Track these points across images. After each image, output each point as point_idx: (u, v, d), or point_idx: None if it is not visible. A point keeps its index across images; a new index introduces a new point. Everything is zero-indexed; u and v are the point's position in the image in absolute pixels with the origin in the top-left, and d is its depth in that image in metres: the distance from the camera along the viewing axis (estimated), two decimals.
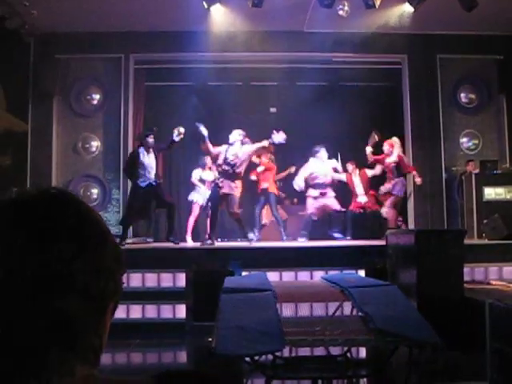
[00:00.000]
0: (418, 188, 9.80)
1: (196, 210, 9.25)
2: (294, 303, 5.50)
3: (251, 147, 8.09)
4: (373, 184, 9.94)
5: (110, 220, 9.86)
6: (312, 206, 9.31)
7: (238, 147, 7.97)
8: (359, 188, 9.85)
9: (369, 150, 9.30)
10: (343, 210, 9.52)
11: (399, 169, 9.22)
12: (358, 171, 9.91)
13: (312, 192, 9.32)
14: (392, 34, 9.81)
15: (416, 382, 4.39)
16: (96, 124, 10.36)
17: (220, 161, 8.05)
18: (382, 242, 6.96)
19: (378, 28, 9.60)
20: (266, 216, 10.13)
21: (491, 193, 9.11)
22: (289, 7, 8.92)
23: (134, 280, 6.73)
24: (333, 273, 6.50)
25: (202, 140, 8.29)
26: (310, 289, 5.43)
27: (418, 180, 9.20)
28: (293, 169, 10.15)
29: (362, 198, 9.76)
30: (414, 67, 10.55)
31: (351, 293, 4.34)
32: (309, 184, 9.35)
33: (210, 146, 8.20)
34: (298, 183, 9.31)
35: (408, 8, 9.35)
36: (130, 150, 10.05)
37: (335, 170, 9.57)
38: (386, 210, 9.10)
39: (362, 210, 9.77)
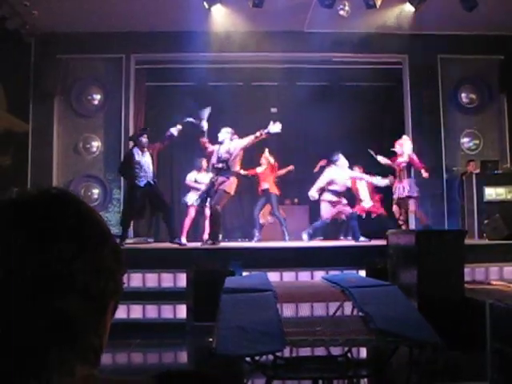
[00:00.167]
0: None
1: (192, 212, 9.25)
2: (294, 303, 5.51)
3: (244, 140, 8.03)
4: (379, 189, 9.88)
5: (111, 220, 9.86)
6: (328, 210, 9.18)
7: (227, 144, 7.98)
8: (364, 193, 9.77)
9: (380, 158, 9.21)
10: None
11: (409, 168, 9.11)
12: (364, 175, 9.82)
13: (328, 196, 9.19)
14: (392, 34, 9.80)
15: (416, 382, 4.39)
16: (97, 124, 10.37)
17: (214, 160, 8.06)
18: (382, 242, 6.95)
19: (379, 28, 9.60)
20: (263, 216, 10.12)
21: (492, 193, 9.10)
22: (289, 7, 8.93)
23: (135, 280, 6.74)
24: (333, 273, 6.50)
25: (201, 134, 8.27)
26: (311, 289, 5.43)
27: (426, 174, 9.08)
28: (291, 167, 10.15)
29: (366, 203, 9.69)
30: (414, 67, 10.54)
31: (352, 293, 4.34)
32: (326, 189, 9.26)
33: (208, 143, 8.20)
34: (313, 194, 9.21)
35: (409, 8, 9.35)
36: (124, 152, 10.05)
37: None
38: (415, 211, 8.95)
39: (365, 214, 9.70)
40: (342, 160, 9.22)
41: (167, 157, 11.13)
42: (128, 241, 8.23)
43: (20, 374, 0.66)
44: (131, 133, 10.20)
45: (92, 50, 9.92)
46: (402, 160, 8.84)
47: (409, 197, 8.78)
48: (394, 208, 9.19)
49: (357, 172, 9.60)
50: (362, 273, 6.74)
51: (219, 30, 9.55)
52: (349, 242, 9.45)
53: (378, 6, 8.77)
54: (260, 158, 9.84)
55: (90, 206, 0.78)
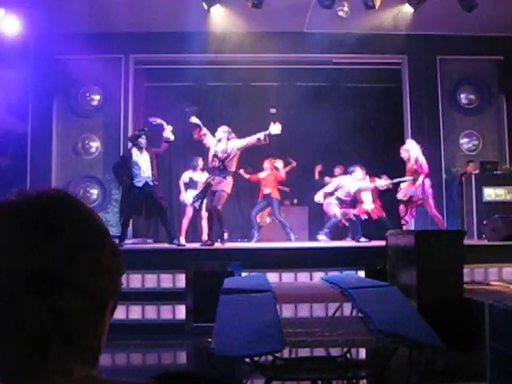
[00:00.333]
0: None
1: (189, 212, 9.24)
2: (293, 304, 5.50)
3: (242, 141, 8.01)
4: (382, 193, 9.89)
5: (110, 221, 9.86)
6: (337, 209, 9.24)
7: (224, 143, 7.95)
8: (367, 195, 9.77)
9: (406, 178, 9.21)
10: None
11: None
12: (368, 178, 9.82)
13: (333, 200, 9.27)
14: (392, 34, 9.82)
15: (416, 383, 4.39)
16: (96, 124, 10.36)
17: (210, 159, 8.04)
18: (382, 243, 6.95)
19: (378, 29, 9.61)
20: (261, 217, 10.12)
21: (491, 194, 9.11)
22: (289, 8, 8.94)
23: (134, 281, 6.73)
24: (332, 274, 6.50)
25: (196, 128, 8.20)
26: (310, 290, 5.43)
27: (417, 183, 9.04)
28: (294, 163, 10.16)
29: (368, 205, 9.69)
30: (414, 68, 10.55)
31: (351, 294, 4.33)
32: (332, 193, 9.33)
33: (208, 135, 8.11)
34: (319, 198, 9.28)
35: (408, 9, 9.36)
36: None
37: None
38: (435, 214, 8.93)
39: (365, 215, 9.68)
40: (357, 173, 9.30)
41: (166, 157, 11.12)
42: (127, 241, 8.22)
43: (19, 374, 0.66)
44: (130, 133, 10.19)
45: (91, 51, 9.90)
46: (412, 164, 8.83)
47: (422, 199, 8.77)
48: (401, 208, 9.16)
49: (366, 184, 9.58)
50: (362, 273, 6.74)
51: (218, 31, 9.56)
52: (348, 242, 9.46)
53: (377, 7, 8.78)
54: (263, 162, 9.84)
55: (88, 207, 0.78)
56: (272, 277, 6.34)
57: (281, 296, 4.40)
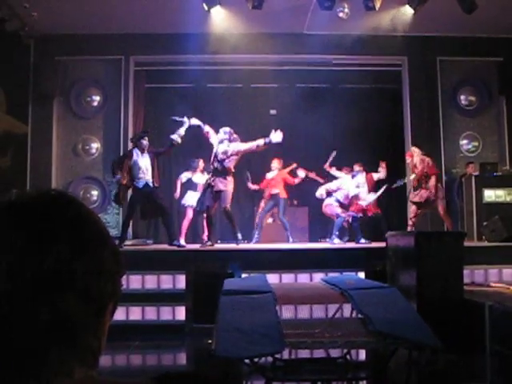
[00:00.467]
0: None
1: (190, 214, 9.24)
2: (293, 305, 5.50)
3: (244, 145, 7.98)
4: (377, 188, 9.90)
5: (110, 222, 9.87)
6: (338, 208, 9.25)
7: (226, 145, 7.94)
8: (363, 192, 9.79)
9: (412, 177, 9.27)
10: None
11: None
12: (364, 174, 9.85)
13: (331, 200, 9.28)
14: (392, 36, 9.83)
15: None
16: (96, 126, 10.37)
17: (211, 159, 8.03)
18: (380, 244, 6.95)
19: (378, 30, 9.61)
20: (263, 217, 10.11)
21: (491, 195, 9.12)
22: (289, 9, 8.94)
23: (134, 282, 6.73)
24: (332, 275, 6.49)
25: (201, 127, 8.19)
26: (310, 291, 5.42)
27: (432, 183, 9.09)
28: (294, 165, 10.16)
29: (364, 201, 9.71)
30: (413, 69, 10.56)
31: (351, 295, 4.33)
32: (331, 193, 9.35)
33: (212, 133, 8.07)
34: (321, 192, 9.32)
35: (408, 10, 9.36)
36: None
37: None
38: (444, 215, 8.93)
39: (360, 213, 9.69)
40: (359, 178, 9.34)
41: (165, 158, 11.12)
42: (127, 242, 8.22)
43: (20, 375, 0.66)
44: (130, 134, 10.20)
45: (91, 52, 9.93)
46: (418, 170, 8.86)
47: (435, 200, 8.76)
48: (413, 209, 9.16)
49: (366, 195, 9.61)
50: (361, 275, 6.73)
51: (218, 32, 9.56)
52: (348, 244, 9.46)
53: (377, 8, 8.79)
54: (271, 162, 9.82)
55: (89, 208, 0.78)
56: (272, 278, 6.34)
57: (281, 297, 4.39)
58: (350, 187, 9.28)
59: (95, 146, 10.31)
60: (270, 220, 10.19)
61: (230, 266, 6.63)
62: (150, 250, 8.32)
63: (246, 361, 3.83)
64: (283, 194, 9.61)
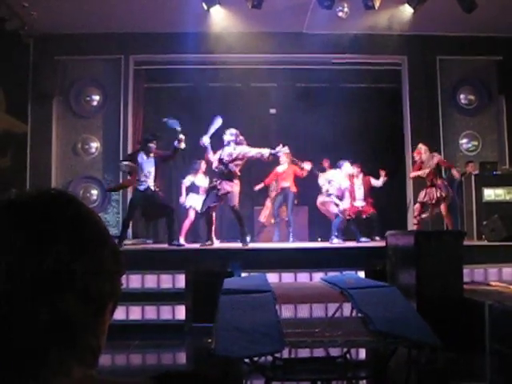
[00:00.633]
0: (417, 189, 9.79)
1: (192, 215, 9.23)
2: (293, 304, 5.50)
3: (249, 151, 7.92)
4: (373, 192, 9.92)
5: (110, 221, 9.87)
6: (334, 207, 9.21)
7: (232, 147, 7.91)
8: (359, 192, 9.78)
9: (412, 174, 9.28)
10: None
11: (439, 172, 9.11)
12: (361, 175, 9.84)
13: (324, 198, 9.28)
14: (391, 35, 9.83)
15: (415, 383, 4.39)
16: (95, 125, 10.37)
17: (216, 162, 7.99)
18: (381, 244, 6.95)
19: (378, 29, 9.61)
20: (266, 217, 10.09)
21: (491, 194, 9.12)
22: (288, 8, 8.94)
23: (134, 281, 6.73)
24: (332, 274, 6.49)
25: (205, 151, 8.18)
26: (310, 290, 5.43)
27: (457, 174, 9.12)
28: (305, 164, 10.14)
29: (359, 203, 9.73)
30: (413, 68, 10.56)
31: (351, 294, 4.33)
32: (322, 191, 9.34)
33: (211, 155, 8.06)
34: (323, 183, 9.35)
35: (408, 9, 9.36)
36: (130, 151, 10.05)
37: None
38: (446, 214, 8.91)
39: (355, 215, 9.66)
40: (346, 167, 9.30)
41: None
42: (127, 242, 8.22)
43: (19, 376, 0.66)
44: (130, 133, 10.22)
45: (91, 51, 9.92)
46: (430, 166, 8.83)
47: (445, 198, 8.75)
48: (417, 207, 9.13)
49: (361, 193, 9.62)
50: (361, 274, 6.73)
51: (218, 31, 9.56)
52: (348, 243, 9.44)
53: (376, 8, 8.78)
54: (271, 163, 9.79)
55: (89, 208, 0.78)
56: (272, 277, 6.34)
57: (280, 296, 4.39)
58: (341, 180, 9.23)
59: (95, 145, 10.31)
60: (274, 220, 10.16)
61: (230, 266, 6.63)
62: (150, 249, 8.32)
63: (246, 360, 3.83)
64: (293, 188, 9.60)
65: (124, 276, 0.80)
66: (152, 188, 7.95)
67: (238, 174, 7.97)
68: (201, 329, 5.95)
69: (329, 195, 9.21)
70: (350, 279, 5.36)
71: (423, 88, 10.54)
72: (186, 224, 9.23)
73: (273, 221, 10.18)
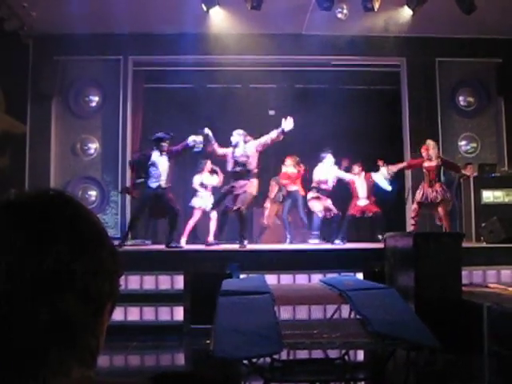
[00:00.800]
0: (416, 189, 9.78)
1: (197, 215, 9.19)
2: (292, 306, 5.51)
3: (259, 141, 7.95)
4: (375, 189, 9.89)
5: (108, 222, 9.85)
6: (317, 205, 9.18)
7: (242, 147, 7.93)
8: (362, 191, 9.76)
9: (391, 167, 9.23)
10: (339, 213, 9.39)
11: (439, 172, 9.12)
12: (363, 174, 9.83)
13: (313, 194, 9.25)
14: (391, 37, 9.84)
15: None
16: (94, 126, 10.36)
17: (230, 165, 7.97)
18: (380, 245, 6.95)
19: (377, 31, 9.62)
20: (269, 218, 10.05)
21: (489, 196, 9.13)
22: (288, 10, 8.94)
23: (132, 282, 6.72)
24: (331, 276, 6.49)
25: (208, 142, 8.16)
26: (308, 292, 5.43)
27: (472, 172, 9.11)
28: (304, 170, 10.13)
29: (362, 202, 9.68)
30: (412, 70, 10.57)
31: (349, 296, 4.33)
32: (309, 187, 9.32)
33: (216, 147, 8.07)
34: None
35: (407, 11, 9.36)
36: (129, 151, 10.05)
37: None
38: (444, 217, 8.90)
39: (359, 214, 9.65)
40: (328, 158, 9.26)
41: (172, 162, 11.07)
42: (126, 243, 8.20)
43: (19, 376, 0.66)
44: (129, 134, 10.21)
45: (90, 52, 9.91)
46: (432, 164, 8.80)
47: (441, 201, 8.74)
48: (414, 207, 9.12)
49: (343, 173, 9.58)
50: (360, 275, 6.73)
51: (217, 33, 9.56)
52: (346, 245, 9.43)
53: (376, 9, 8.79)
54: (285, 159, 9.78)
55: (87, 208, 0.77)
56: (270, 279, 6.33)
57: (279, 298, 4.40)
58: (322, 171, 9.21)
59: (94, 145, 10.30)
60: (278, 221, 10.13)
61: (229, 267, 6.62)
62: (149, 250, 8.31)
63: (245, 361, 3.83)
64: (302, 191, 9.57)
65: (123, 277, 0.80)
66: (164, 186, 7.93)
67: (256, 171, 7.98)
68: (199, 330, 5.95)
69: (315, 190, 9.19)
70: (348, 281, 5.37)
71: (422, 90, 10.54)
72: (190, 224, 9.19)
73: (278, 221, 10.15)
